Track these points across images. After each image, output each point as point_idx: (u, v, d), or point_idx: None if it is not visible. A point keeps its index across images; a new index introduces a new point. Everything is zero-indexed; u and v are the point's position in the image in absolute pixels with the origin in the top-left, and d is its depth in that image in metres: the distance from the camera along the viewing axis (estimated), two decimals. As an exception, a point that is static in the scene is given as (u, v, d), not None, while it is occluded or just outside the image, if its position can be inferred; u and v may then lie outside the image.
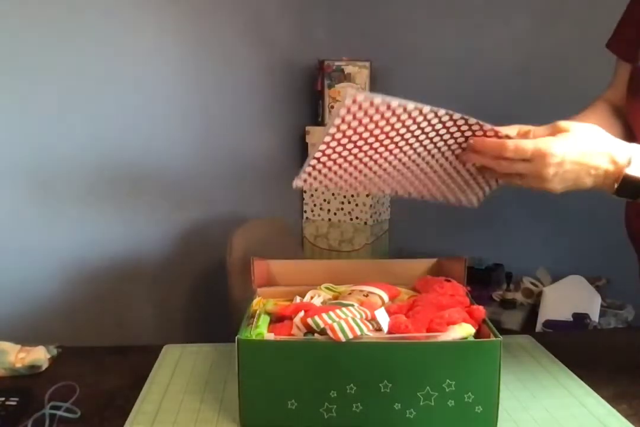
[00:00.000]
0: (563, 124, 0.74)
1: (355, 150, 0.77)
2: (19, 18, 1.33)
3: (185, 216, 1.82)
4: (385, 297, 0.85)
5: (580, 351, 0.97)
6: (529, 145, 0.71)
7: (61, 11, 1.40)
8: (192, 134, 1.81)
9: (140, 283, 1.73)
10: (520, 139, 0.73)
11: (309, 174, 0.81)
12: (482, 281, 2.08)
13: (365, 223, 2.15)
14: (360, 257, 2.16)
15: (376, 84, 2.14)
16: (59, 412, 0.75)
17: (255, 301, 0.85)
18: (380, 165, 0.81)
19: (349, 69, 2.13)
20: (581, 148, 0.71)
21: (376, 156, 0.79)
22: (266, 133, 2.13)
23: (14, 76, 1.33)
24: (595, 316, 1.82)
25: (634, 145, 0.74)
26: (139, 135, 1.65)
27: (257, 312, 0.80)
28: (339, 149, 0.77)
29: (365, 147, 0.77)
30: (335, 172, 0.81)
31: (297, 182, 0.81)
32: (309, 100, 2.28)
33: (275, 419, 0.72)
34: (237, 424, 0.74)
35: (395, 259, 0.98)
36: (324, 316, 0.71)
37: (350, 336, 0.69)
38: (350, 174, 0.81)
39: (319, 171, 0.80)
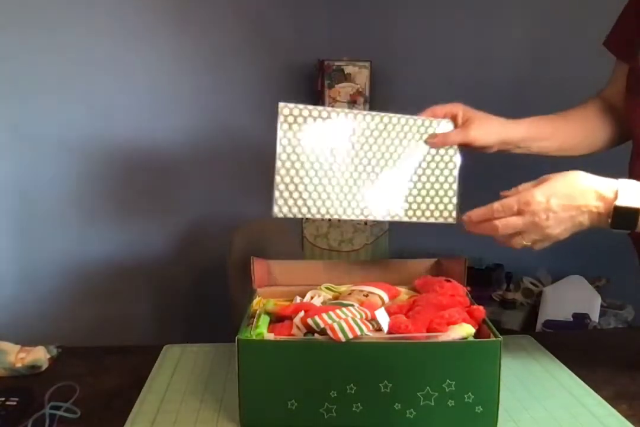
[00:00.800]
0: (546, 176, 0.78)
1: (309, 165, 0.84)
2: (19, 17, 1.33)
3: (185, 216, 1.82)
4: (385, 297, 0.85)
5: (580, 351, 0.97)
6: (512, 199, 0.76)
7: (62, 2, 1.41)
8: (192, 134, 1.81)
9: (141, 283, 1.73)
10: (503, 199, 0.78)
11: (278, 203, 0.87)
12: (482, 281, 2.08)
13: (365, 223, 2.15)
14: (360, 257, 2.16)
15: (376, 84, 2.14)
16: (59, 412, 0.75)
17: (255, 301, 0.85)
18: (341, 177, 0.85)
19: (349, 69, 2.13)
20: (564, 190, 0.75)
21: (335, 167, 0.85)
22: (266, 133, 2.12)
23: (13, 71, 1.33)
24: (595, 316, 1.82)
25: (618, 180, 0.76)
26: (139, 136, 1.65)
27: (257, 312, 0.80)
28: (297, 165, 0.85)
29: (320, 160, 0.84)
30: (303, 196, 0.85)
31: (275, 211, 0.87)
32: (309, 100, 2.28)
33: (275, 419, 0.72)
34: (237, 424, 0.74)
35: (395, 259, 0.98)
36: (324, 316, 0.71)
37: (350, 336, 0.69)
38: (319, 195, 0.85)
39: (291, 197, 0.86)
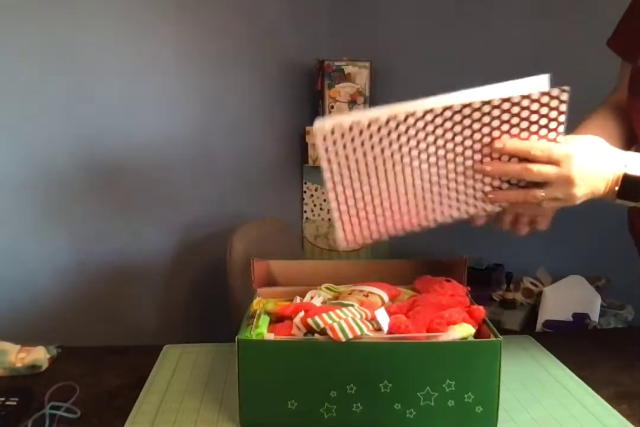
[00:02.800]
0: (574, 136, 0.75)
1: (359, 184, 0.73)
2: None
3: (185, 216, 1.82)
4: (385, 297, 0.85)
5: (580, 351, 0.97)
6: (553, 147, 0.71)
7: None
8: (191, 134, 1.81)
9: (140, 283, 1.73)
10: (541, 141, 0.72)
11: (344, 231, 0.76)
12: (482, 281, 2.07)
13: (365, 223, 2.15)
14: (360, 257, 2.15)
15: (376, 84, 2.14)
16: (59, 412, 0.75)
17: (255, 301, 0.85)
18: (394, 193, 0.75)
19: (349, 69, 2.13)
20: (598, 154, 0.73)
21: (383, 185, 0.74)
22: (266, 133, 2.13)
23: (11, 72, 1.33)
24: (595, 316, 1.82)
25: (627, 152, 0.76)
26: (139, 136, 1.65)
27: (257, 312, 0.80)
28: (348, 191, 0.73)
29: (370, 179, 0.72)
30: (362, 217, 0.76)
31: (342, 244, 0.78)
32: (309, 100, 2.28)
33: (275, 419, 0.72)
34: (237, 424, 0.74)
35: (395, 259, 0.98)
36: (324, 316, 0.71)
37: (351, 335, 0.69)
38: (376, 214, 0.76)
39: (351, 224, 0.76)
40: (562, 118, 0.71)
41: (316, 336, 0.72)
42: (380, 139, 0.69)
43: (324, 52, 2.18)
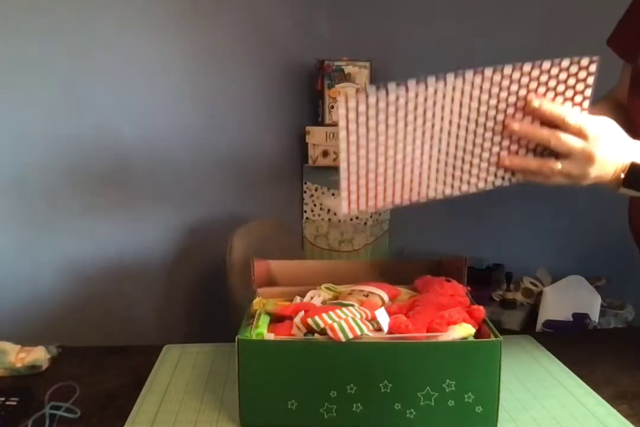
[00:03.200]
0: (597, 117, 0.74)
1: (374, 144, 0.71)
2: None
3: (185, 216, 1.82)
4: (385, 297, 0.85)
5: (580, 351, 0.97)
6: (588, 121, 0.70)
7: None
8: (191, 134, 1.81)
9: (140, 283, 1.73)
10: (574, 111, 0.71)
11: (349, 200, 0.75)
12: (482, 281, 2.07)
13: (365, 223, 2.15)
14: (360, 257, 2.15)
15: (376, 84, 2.14)
16: (59, 412, 0.75)
17: (255, 301, 0.85)
18: (409, 160, 0.73)
19: (349, 69, 2.13)
20: (615, 138, 0.73)
21: (400, 146, 0.72)
22: (266, 133, 2.13)
23: (10, 68, 1.33)
24: (595, 316, 1.82)
25: (636, 141, 0.75)
26: (139, 135, 1.65)
27: (257, 312, 0.80)
28: (362, 153, 0.71)
29: (389, 136, 0.71)
30: (370, 187, 0.75)
31: (343, 212, 0.76)
32: (309, 100, 2.28)
33: (276, 419, 0.72)
34: (237, 424, 0.74)
35: (395, 259, 0.98)
36: (324, 315, 0.71)
37: (351, 335, 0.69)
38: (385, 184, 0.74)
39: (357, 194, 0.75)
40: (588, 92, 0.70)
41: (316, 336, 0.72)
42: (406, 102, 0.69)
43: (324, 52, 2.18)
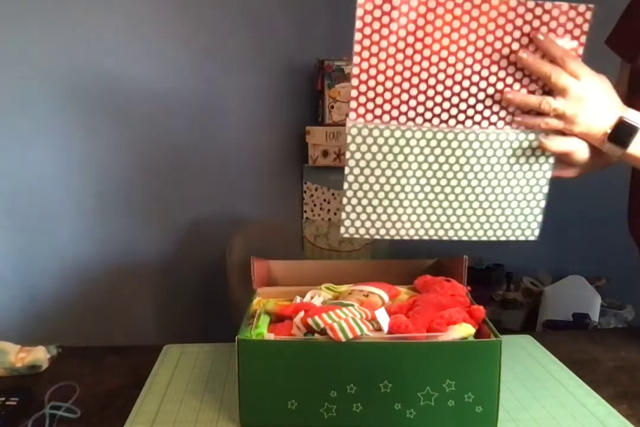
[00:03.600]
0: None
1: (378, 186, 0.78)
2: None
3: (185, 216, 1.82)
4: (386, 297, 0.85)
5: (580, 351, 0.97)
6: (583, 65, 0.75)
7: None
8: (191, 134, 1.81)
9: (140, 283, 1.73)
10: None
11: (345, 224, 0.82)
12: (482, 281, 2.08)
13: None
14: (360, 257, 2.16)
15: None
16: (59, 412, 0.75)
17: (255, 301, 0.85)
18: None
19: (349, 68, 2.13)
20: (607, 92, 0.77)
21: (408, 188, 0.79)
22: (266, 133, 2.13)
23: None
24: (595, 316, 1.82)
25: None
26: (139, 135, 1.65)
27: (257, 312, 0.80)
28: (365, 187, 0.79)
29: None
30: (371, 218, 0.81)
31: (341, 231, 0.83)
32: (309, 100, 2.28)
33: (276, 419, 0.72)
34: (237, 424, 0.74)
35: (395, 259, 0.98)
36: (324, 315, 0.71)
37: (351, 335, 0.69)
38: (389, 216, 0.80)
39: (358, 218, 0.81)
40: (583, 39, 0.75)
41: (316, 336, 0.72)
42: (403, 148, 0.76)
43: (324, 52, 2.18)
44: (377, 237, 0.81)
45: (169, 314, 1.83)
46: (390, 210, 0.80)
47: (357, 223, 0.81)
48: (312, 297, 0.85)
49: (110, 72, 1.54)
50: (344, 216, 0.81)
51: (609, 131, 0.75)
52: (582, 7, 0.73)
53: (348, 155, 0.77)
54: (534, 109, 0.76)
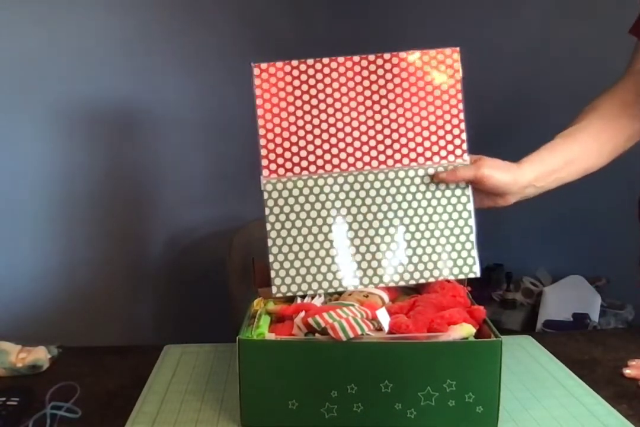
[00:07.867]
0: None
1: (302, 238, 0.81)
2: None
3: (185, 216, 1.82)
4: (385, 298, 0.85)
5: (580, 351, 0.97)
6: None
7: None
8: (191, 134, 1.81)
9: (140, 283, 1.73)
10: None
11: (276, 282, 0.83)
12: (482, 281, 2.07)
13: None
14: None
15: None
16: (60, 412, 0.75)
17: (255, 301, 0.85)
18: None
19: (349, 69, 2.13)
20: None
21: (332, 236, 0.81)
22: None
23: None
24: (595, 316, 1.82)
25: None
26: (139, 135, 1.65)
27: (258, 312, 0.80)
28: (289, 241, 0.81)
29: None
30: (301, 273, 0.82)
31: (273, 291, 0.83)
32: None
33: (276, 419, 0.72)
34: (237, 424, 0.74)
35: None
36: (325, 315, 0.71)
37: (351, 335, 0.69)
38: (318, 268, 0.82)
39: (288, 275, 0.82)
40: (458, 75, 0.88)
41: (317, 336, 0.72)
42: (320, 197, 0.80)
43: (324, 52, 2.18)
44: (310, 292, 0.82)
45: (169, 314, 1.83)
46: (318, 261, 0.81)
47: (287, 280, 0.81)
48: (312, 298, 0.85)
49: (110, 70, 1.54)
50: (273, 274, 0.81)
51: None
52: (448, 51, 0.89)
53: (267, 211, 0.79)
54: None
